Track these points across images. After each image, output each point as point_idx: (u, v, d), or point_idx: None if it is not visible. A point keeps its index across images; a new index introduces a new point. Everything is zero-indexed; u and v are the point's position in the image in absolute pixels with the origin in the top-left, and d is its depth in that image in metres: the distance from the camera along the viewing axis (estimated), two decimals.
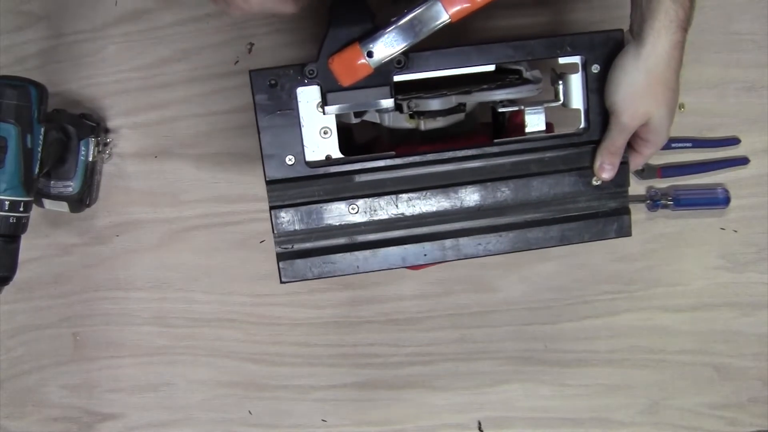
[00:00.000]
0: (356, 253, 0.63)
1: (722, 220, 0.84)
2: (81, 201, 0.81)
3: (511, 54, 0.62)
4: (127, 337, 0.87)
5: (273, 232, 0.63)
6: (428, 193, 0.63)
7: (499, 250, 0.64)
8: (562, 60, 0.63)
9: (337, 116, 0.63)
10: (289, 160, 0.62)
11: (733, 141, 0.83)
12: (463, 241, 0.64)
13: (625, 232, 0.66)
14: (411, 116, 0.66)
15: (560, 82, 0.64)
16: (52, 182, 0.79)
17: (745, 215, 0.84)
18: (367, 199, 0.63)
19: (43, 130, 0.69)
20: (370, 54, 0.57)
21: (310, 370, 0.87)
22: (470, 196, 0.63)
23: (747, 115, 0.83)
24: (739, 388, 0.86)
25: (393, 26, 0.56)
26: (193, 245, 0.85)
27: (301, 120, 0.61)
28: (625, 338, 0.86)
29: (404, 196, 0.63)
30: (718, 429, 0.87)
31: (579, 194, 0.65)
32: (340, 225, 0.63)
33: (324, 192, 0.62)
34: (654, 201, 0.83)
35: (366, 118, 0.67)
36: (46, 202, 0.80)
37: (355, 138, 0.74)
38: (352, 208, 0.63)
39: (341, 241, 0.63)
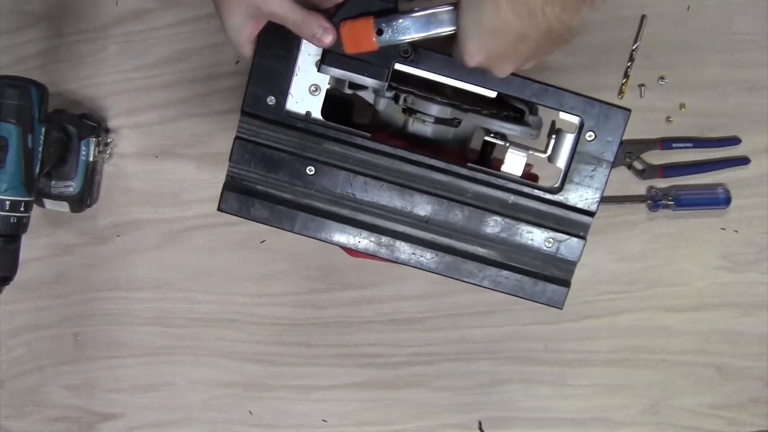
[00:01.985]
0: (297, 212, 0.63)
1: (723, 220, 0.84)
2: (82, 201, 0.81)
3: (514, 88, 0.61)
4: (127, 337, 0.87)
5: (230, 160, 0.63)
6: (385, 186, 0.63)
7: (430, 267, 0.64)
8: (562, 115, 0.62)
9: (333, 83, 0.63)
10: (270, 100, 0.62)
11: (734, 141, 0.83)
12: (399, 244, 0.63)
13: (557, 303, 0.65)
14: (404, 111, 0.67)
15: (554, 135, 0.64)
16: (52, 182, 0.79)
17: (745, 215, 0.84)
18: (326, 167, 0.63)
19: (43, 130, 0.69)
20: (379, 32, 0.57)
21: (311, 370, 0.87)
22: (423, 206, 0.63)
23: (748, 115, 0.83)
24: (739, 388, 0.86)
25: (409, 14, 0.56)
26: (194, 245, 0.85)
27: (296, 68, 0.62)
28: (625, 338, 0.86)
29: (361, 179, 0.63)
30: (719, 429, 0.87)
31: (528, 249, 0.64)
32: (292, 181, 0.63)
33: (291, 144, 0.62)
34: (655, 201, 0.83)
35: (361, 94, 0.67)
36: (47, 202, 0.80)
37: (354, 117, 0.74)
38: (309, 170, 0.63)
39: (287, 196, 0.63)
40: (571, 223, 0.63)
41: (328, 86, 0.62)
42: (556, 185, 0.63)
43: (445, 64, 0.61)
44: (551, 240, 0.64)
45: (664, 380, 0.86)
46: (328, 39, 0.57)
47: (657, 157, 0.84)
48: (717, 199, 0.83)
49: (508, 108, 0.67)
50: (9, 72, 0.71)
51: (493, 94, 0.62)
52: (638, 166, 0.83)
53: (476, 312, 0.86)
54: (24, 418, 0.88)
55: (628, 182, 0.84)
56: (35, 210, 0.71)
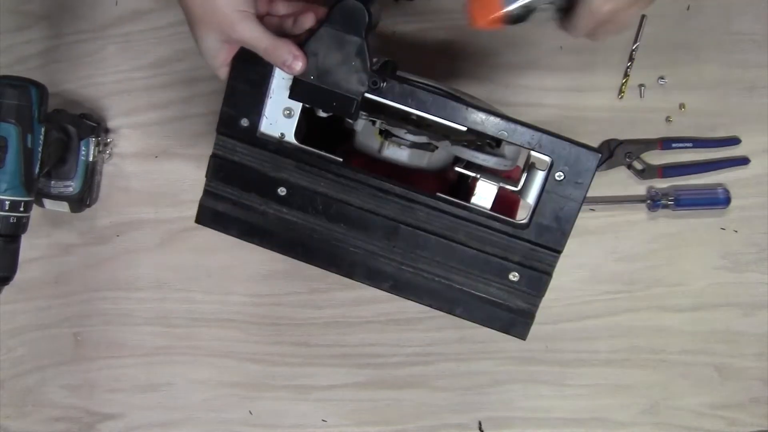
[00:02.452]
0: (268, 230, 0.64)
1: (723, 220, 0.84)
2: (81, 201, 0.81)
3: (484, 125, 0.60)
4: (127, 337, 0.87)
5: (206, 176, 0.64)
6: (353, 210, 0.63)
7: (393, 291, 0.64)
8: (534, 153, 0.61)
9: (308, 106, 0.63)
10: (244, 122, 0.63)
11: (734, 141, 0.83)
12: (365, 265, 0.64)
13: (520, 334, 0.65)
14: (380, 133, 0.67)
15: (526, 171, 0.63)
16: (52, 182, 0.79)
17: (745, 215, 0.84)
18: (297, 190, 0.63)
19: (43, 130, 0.69)
20: None
21: (311, 370, 0.87)
22: (390, 232, 0.63)
23: (747, 115, 0.83)
24: (739, 388, 0.86)
25: None
26: (194, 245, 0.85)
27: (271, 91, 0.62)
28: (625, 338, 0.86)
29: (331, 202, 0.63)
30: (719, 429, 0.87)
31: (493, 280, 0.64)
32: (264, 201, 0.64)
33: (263, 166, 0.63)
34: (654, 201, 0.83)
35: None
36: (47, 202, 0.80)
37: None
38: (281, 191, 0.63)
39: (259, 214, 0.64)
40: (539, 258, 0.63)
41: (302, 108, 0.62)
42: (525, 221, 0.63)
43: (410, 96, 0.60)
44: (516, 274, 0.63)
45: (664, 380, 0.86)
46: (299, 66, 0.58)
47: (657, 157, 0.84)
48: (717, 199, 0.83)
49: (485, 137, 0.66)
50: (9, 72, 0.71)
51: (462, 128, 0.61)
52: (638, 166, 0.83)
53: None
54: (24, 418, 0.89)
55: (628, 182, 0.84)
56: (35, 210, 0.71)
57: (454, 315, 0.65)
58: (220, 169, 0.64)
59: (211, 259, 0.86)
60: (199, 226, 0.85)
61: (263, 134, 0.63)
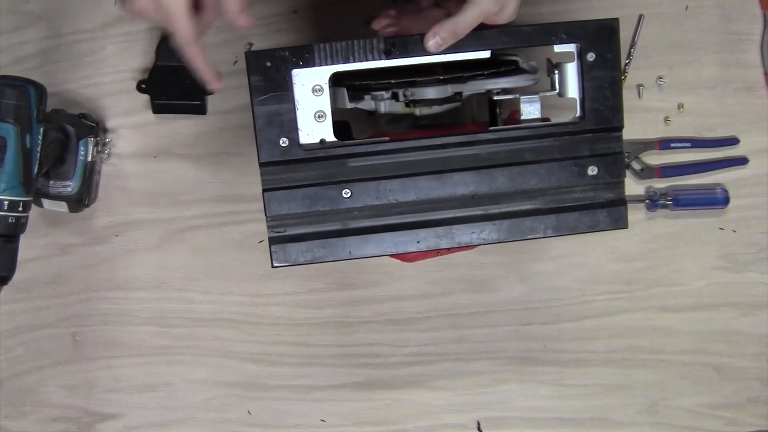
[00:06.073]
0: (349, 238, 0.63)
1: (721, 220, 0.84)
2: (80, 201, 0.81)
3: (505, 40, 0.61)
4: (126, 337, 0.87)
5: (266, 215, 0.63)
6: (422, 179, 0.63)
7: (494, 238, 0.64)
8: (557, 48, 0.63)
9: (332, 103, 0.63)
10: (283, 142, 0.62)
11: (732, 141, 0.83)
12: (456, 228, 0.63)
13: (621, 224, 0.65)
14: (407, 105, 0.67)
15: (556, 71, 0.64)
16: (51, 182, 0.79)
17: (744, 215, 0.84)
18: (360, 184, 0.62)
19: (42, 129, 0.69)
20: None
21: (310, 370, 0.87)
22: (464, 184, 0.63)
23: (746, 115, 0.83)
24: (738, 388, 0.86)
25: None
26: (193, 245, 0.85)
27: (296, 102, 0.62)
28: (624, 338, 0.86)
29: (397, 181, 0.63)
30: (718, 429, 0.87)
31: (574, 184, 0.64)
32: (333, 210, 0.63)
33: (318, 176, 0.62)
34: (653, 201, 0.83)
35: (361, 105, 0.67)
36: (45, 201, 0.80)
37: (353, 137, 0.74)
38: (345, 193, 0.62)
39: (334, 226, 0.63)
40: (606, 142, 0.64)
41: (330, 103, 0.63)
42: (578, 115, 0.64)
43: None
44: (592, 167, 0.64)
45: (663, 380, 0.86)
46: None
47: (655, 158, 0.84)
48: (715, 199, 0.83)
49: (500, 66, 0.67)
50: (8, 72, 0.71)
51: (486, 53, 0.62)
52: (636, 166, 0.83)
53: (475, 312, 0.86)
54: (23, 417, 0.88)
55: (626, 182, 0.84)
56: (33, 210, 0.71)
57: (556, 236, 0.64)
58: (276, 202, 0.62)
59: (210, 259, 0.86)
60: (198, 225, 0.85)
61: (305, 146, 0.62)
